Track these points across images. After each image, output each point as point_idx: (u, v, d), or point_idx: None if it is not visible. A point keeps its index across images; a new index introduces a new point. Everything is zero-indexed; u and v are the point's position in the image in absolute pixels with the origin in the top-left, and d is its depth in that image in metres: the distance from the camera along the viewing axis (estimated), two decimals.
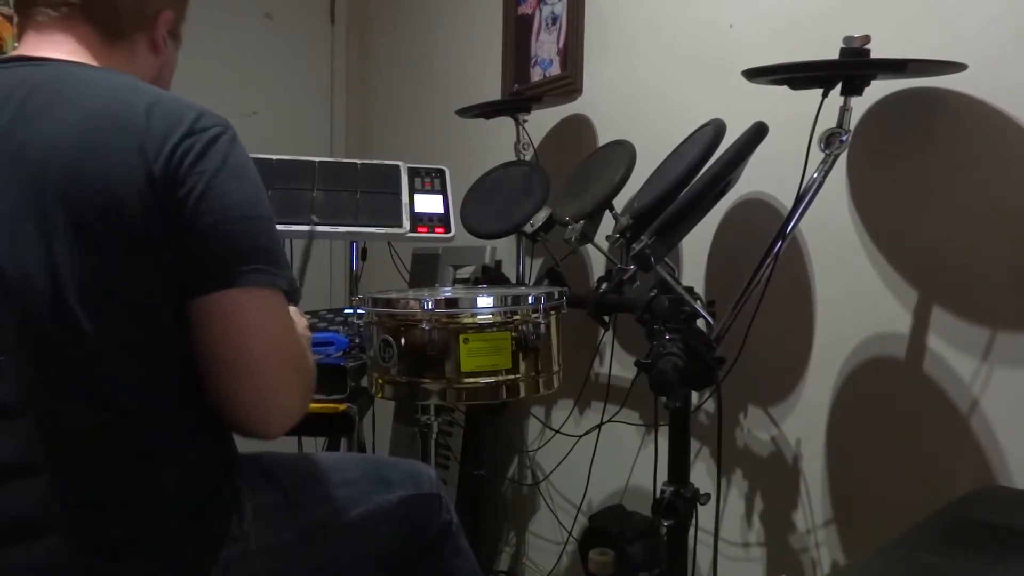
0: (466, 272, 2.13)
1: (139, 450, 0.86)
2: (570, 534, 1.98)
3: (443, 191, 1.85)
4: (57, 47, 0.92)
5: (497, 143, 2.16)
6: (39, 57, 0.90)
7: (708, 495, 1.36)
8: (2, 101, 0.85)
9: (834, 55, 1.16)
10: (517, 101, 1.96)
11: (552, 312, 1.35)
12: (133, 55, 0.98)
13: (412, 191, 1.80)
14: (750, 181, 1.47)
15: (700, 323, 1.34)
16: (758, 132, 1.26)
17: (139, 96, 0.86)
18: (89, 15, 0.93)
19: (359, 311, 1.41)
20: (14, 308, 0.78)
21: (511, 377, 1.31)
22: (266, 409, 0.90)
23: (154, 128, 0.84)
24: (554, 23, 2.03)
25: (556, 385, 1.39)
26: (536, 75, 2.10)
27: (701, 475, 1.62)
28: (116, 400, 0.84)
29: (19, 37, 0.95)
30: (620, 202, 1.56)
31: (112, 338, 0.83)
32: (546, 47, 2.07)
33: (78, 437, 0.82)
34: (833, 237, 1.40)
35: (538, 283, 1.98)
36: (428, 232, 1.77)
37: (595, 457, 1.84)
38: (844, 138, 1.20)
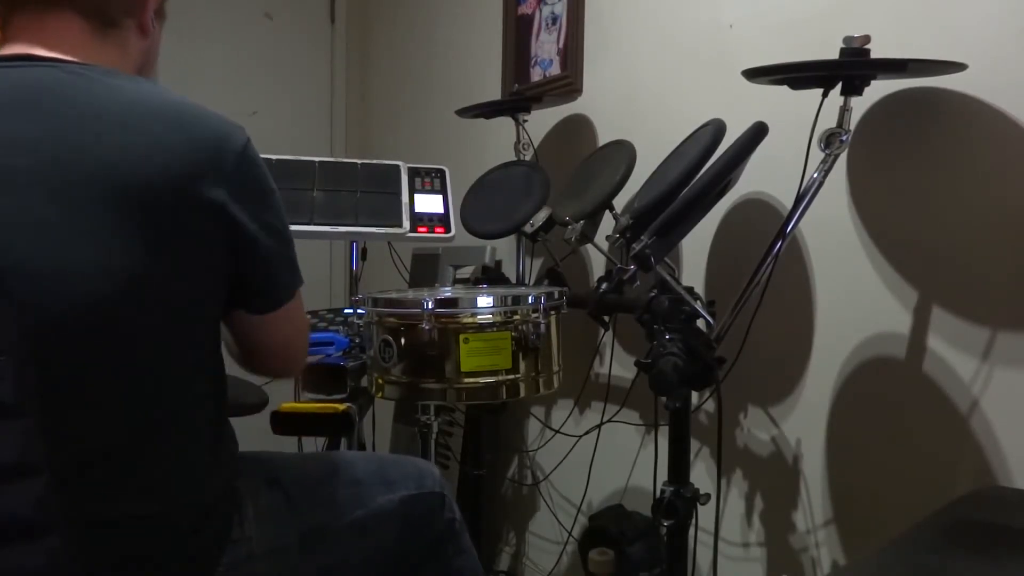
0: (466, 272, 2.13)
1: (140, 456, 0.86)
2: (570, 534, 1.98)
3: (443, 191, 1.85)
4: (48, 43, 0.88)
5: (497, 143, 2.16)
6: (40, 56, 0.87)
7: (708, 495, 1.36)
8: (18, 104, 0.81)
9: (834, 55, 1.16)
10: (517, 101, 1.96)
11: (552, 312, 1.35)
12: (125, 43, 0.95)
13: (412, 191, 1.80)
14: (750, 181, 1.47)
15: (700, 323, 1.34)
16: (758, 132, 1.26)
17: (176, 110, 0.85)
18: (78, 6, 0.89)
19: (359, 311, 1.41)
20: (15, 310, 0.78)
21: (511, 377, 1.31)
22: (289, 368, 1.09)
23: (204, 145, 0.85)
24: (554, 23, 2.03)
25: (556, 385, 1.38)
26: (536, 75, 2.10)
27: (701, 475, 1.62)
28: (116, 407, 0.84)
29: (4, 29, 0.90)
30: (620, 202, 1.56)
31: (117, 349, 0.82)
32: (546, 47, 2.07)
33: (78, 442, 0.82)
34: (833, 237, 1.40)
35: (538, 283, 1.98)
36: (428, 232, 1.77)
37: (595, 457, 1.84)
38: (844, 138, 1.20)
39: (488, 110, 1.96)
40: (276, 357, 1.03)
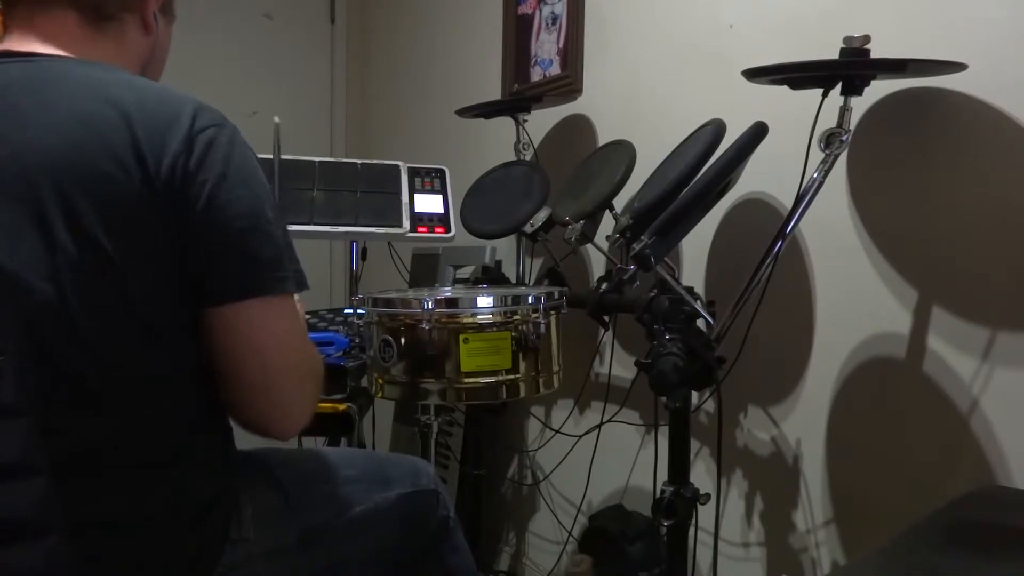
0: (466, 272, 2.13)
1: (138, 456, 0.86)
2: (570, 534, 1.98)
3: (443, 191, 1.85)
4: (44, 38, 0.88)
5: (497, 143, 2.16)
6: (26, 52, 0.87)
7: (708, 495, 1.36)
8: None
9: (834, 55, 1.16)
10: (517, 101, 1.96)
11: (552, 312, 1.35)
12: (122, 37, 0.94)
13: (412, 191, 1.80)
14: (750, 181, 1.47)
15: (700, 323, 1.34)
16: (758, 132, 1.26)
17: (129, 93, 0.84)
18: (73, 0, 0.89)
19: (359, 311, 1.41)
20: (16, 310, 0.78)
21: (511, 377, 1.31)
22: (283, 417, 0.93)
23: (149, 130, 0.82)
24: (554, 23, 2.03)
25: (556, 385, 1.38)
26: (536, 75, 2.10)
27: (701, 475, 1.62)
28: (115, 406, 0.84)
29: (4, 27, 0.91)
30: (620, 202, 1.56)
31: (115, 348, 0.82)
32: (546, 47, 2.07)
33: (78, 442, 0.82)
34: (833, 237, 1.40)
35: (538, 283, 1.98)
36: (428, 232, 1.77)
37: (595, 457, 1.84)
38: (844, 138, 1.20)
39: (488, 110, 1.96)
40: (255, 387, 0.89)
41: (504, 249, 2.15)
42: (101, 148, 0.81)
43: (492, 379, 1.29)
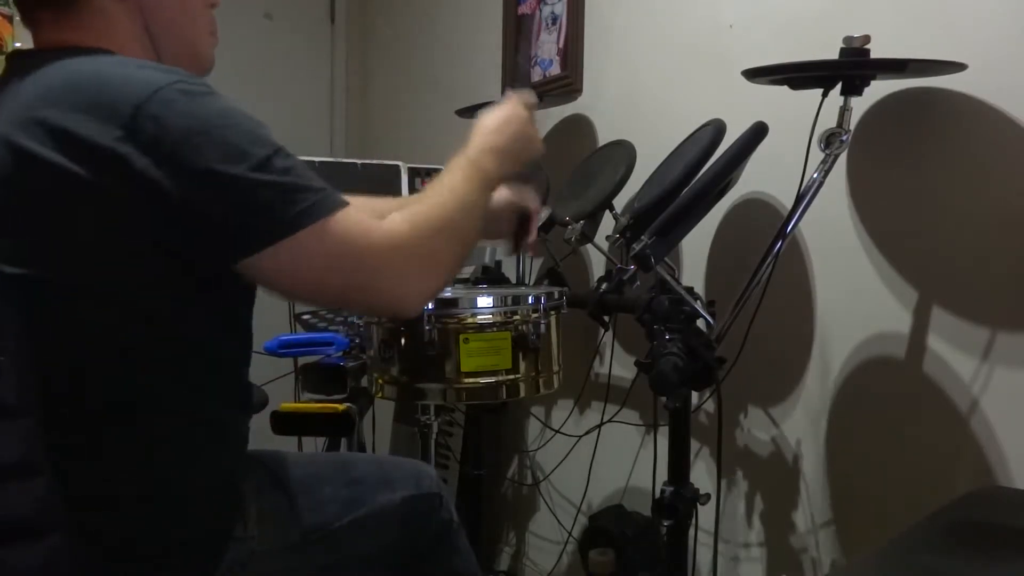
0: (466, 272, 2.13)
1: (141, 456, 0.86)
2: (570, 534, 1.98)
3: None
4: (44, 36, 0.89)
5: None
6: (24, 51, 0.88)
7: (708, 495, 1.36)
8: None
9: (834, 55, 1.16)
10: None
11: (552, 312, 1.35)
12: (104, 14, 0.88)
13: (412, 191, 1.80)
14: (750, 181, 1.47)
15: (700, 323, 1.34)
16: (758, 132, 1.26)
17: (87, 80, 0.80)
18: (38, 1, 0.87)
19: None
20: (15, 307, 0.78)
21: (511, 377, 1.31)
22: (390, 303, 0.87)
23: (100, 111, 0.77)
24: (554, 23, 2.03)
25: (556, 385, 1.38)
26: (536, 75, 2.10)
27: (701, 475, 1.62)
28: (115, 401, 0.84)
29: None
30: (620, 202, 1.56)
31: (109, 337, 0.82)
32: (546, 47, 2.07)
33: (80, 442, 0.82)
34: (833, 237, 1.40)
35: (538, 283, 1.98)
36: None
37: (595, 457, 1.84)
38: (844, 138, 1.20)
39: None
40: (345, 301, 0.91)
41: (504, 249, 2.15)
42: (55, 143, 0.78)
43: (492, 379, 1.29)
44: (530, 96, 1.14)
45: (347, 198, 0.86)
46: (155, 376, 0.86)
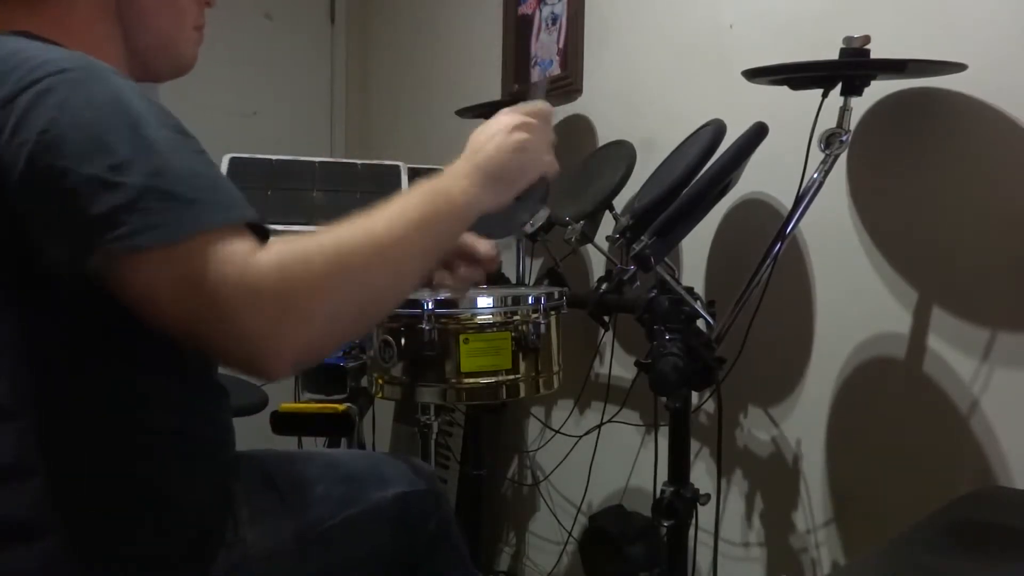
0: None
1: (135, 456, 0.85)
2: (570, 534, 1.98)
3: None
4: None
5: None
6: None
7: (708, 495, 1.36)
8: None
9: (834, 55, 1.16)
10: (517, 101, 1.95)
11: (552, 312, 1.35)
12: (69, 4, 0.82)
13: None
14: (750, 181, 1.47)
15: (700, 323, 1.34)
16: (758, 132, 1.26)
17: None
18: None
19: None
20: (7, 306, 0.77)
21: (511, 377, 1.31)
22: (247, 357, 0.69)
23: None
24: (554, 23, 2.03)
25: (556, 385, 1.38)
26: (536, 75, 2.10)
27: (701, 475, 1.62)
28: (111, 401, 0.83)
29: None
30: (620, 202, 1.56)
31: (102, 336, 0.81)
32: (546, 47, 2.07)
33: (75, 443, 0.82)
34: (833, 237, 1.40)
35: (538, 283, 1.98)
36: None
37: (595, 457, 1.84)
38: (844, 138, 1.20)
39: (488, 110, 1.95)
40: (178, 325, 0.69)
41: (504, 249, 2.15)
42: None
43: (492, 379, 1.29)
44: (543, 105, 0.96)
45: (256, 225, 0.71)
46: (151, 375, 0.85)
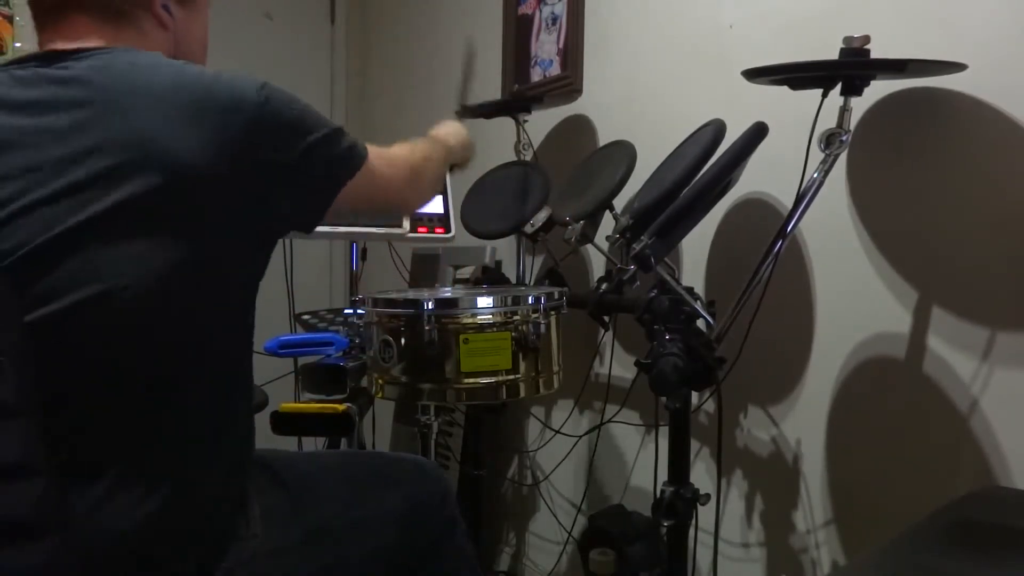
0: (466, 272, 2.13)
1: (141, 455, 0.85)
2: (570, 534, 1.98)
3: (443, 191, 1.84)
4: (69, 40, 0.90)
5: (497, 143, 2.15)
6: (73, 49, 0.88)
7: (708, 495, 1.36)
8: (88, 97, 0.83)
9: (834, 55, 1.16)
10: (517, 101, 1.96)
11: (552, 312, 1.35)
12: (141, 33, 0.96)
13: None
14: (750, 181, 1.47)
15: (700, 323, 1.34)
16: (758, 132, 1.26)
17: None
18: (84, 6, 0.91)
19: (359, 311, 1.41)
20: (14, 306, 0.78)
21: (511, 377, 1.31)
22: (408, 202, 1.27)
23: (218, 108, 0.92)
24: (554, 23, 2.03)
25: (556, 385, 1.38)
26: (536, 75, 2.10)
27: (701, 475, 1.62)
28: (120, 407, 0.83)
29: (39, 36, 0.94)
30: (620, 202, 1.56)
31: (113, 335, 0.82)
32: (546, 47, 2.07)
33: (80, 442, 0.82)
34: (833, 237, 1.40)
35: (538, 283, 1.98)
36: (428, 232, 1.77)
37: (595, 457, 1.84)
38: (844, 138, 1.20)
39: (488, 110, 1.96)
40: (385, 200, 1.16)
41: (504, 249, 2.15)
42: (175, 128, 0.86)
43: (492, 379, 1.29)
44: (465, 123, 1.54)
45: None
46: (162, 374, 0.86)
